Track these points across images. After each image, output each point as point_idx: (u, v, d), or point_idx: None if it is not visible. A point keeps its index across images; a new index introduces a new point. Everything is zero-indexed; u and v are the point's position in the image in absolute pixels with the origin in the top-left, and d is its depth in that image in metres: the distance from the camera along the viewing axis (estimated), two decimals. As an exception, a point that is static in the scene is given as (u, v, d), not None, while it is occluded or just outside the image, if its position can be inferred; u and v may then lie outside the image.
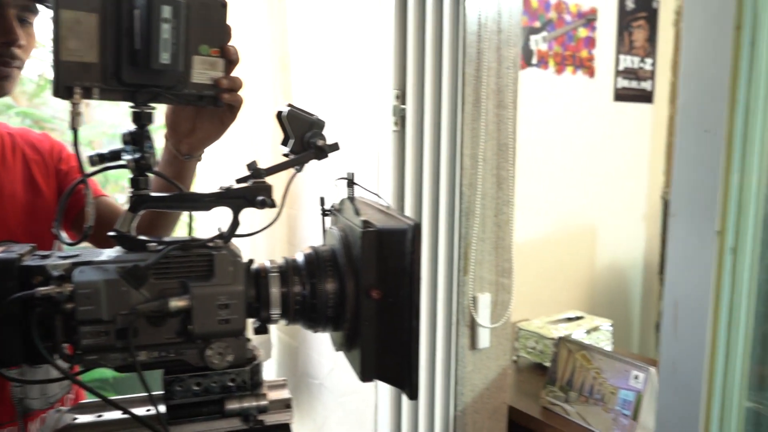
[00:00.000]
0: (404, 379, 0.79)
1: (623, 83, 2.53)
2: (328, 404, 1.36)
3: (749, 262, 0.69)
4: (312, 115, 0.93)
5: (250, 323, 0.83)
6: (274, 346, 1.60)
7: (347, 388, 1.21)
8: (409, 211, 1.13)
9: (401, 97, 1.12)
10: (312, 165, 1.05)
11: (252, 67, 1.47)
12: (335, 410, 1.33)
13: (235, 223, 0.83)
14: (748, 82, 0.63)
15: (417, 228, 0.75)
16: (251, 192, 0.82)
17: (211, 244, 0.81)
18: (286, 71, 1.48)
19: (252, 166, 0.88)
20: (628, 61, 2.53)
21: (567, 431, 1.22)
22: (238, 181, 0.87)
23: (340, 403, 1.31)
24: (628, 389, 1.16)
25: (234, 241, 0.88)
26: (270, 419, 0.81)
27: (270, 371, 1.63)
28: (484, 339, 1.23)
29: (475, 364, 1.24)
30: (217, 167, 1.43)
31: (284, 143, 0.95)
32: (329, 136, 1.03)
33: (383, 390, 1.14)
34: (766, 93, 0.68)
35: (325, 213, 0.95)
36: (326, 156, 0.91)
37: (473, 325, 1.22)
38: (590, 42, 2.43)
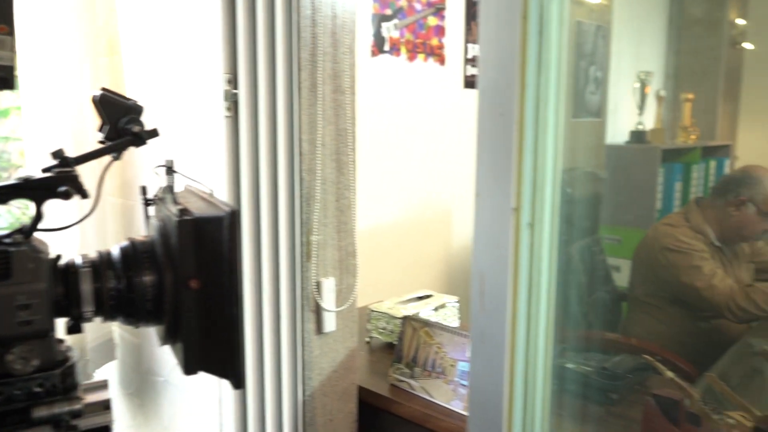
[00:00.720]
0: (229, 369, 0.78)
1: (472, 71, 2.65)
2: (174, 401, 1.31)
3: (547, 235, 0.75)
4: (128, 99, 0.88)
5: (62, 322, 0.78)
6: (118, 346, 1.52)
7: (191, 383, 1.18)
8: (246, 197, 1.11)
9: (233, 82, 1.09)
10: (145, 152, 1.00)
11: (79, 50, 1.37)
12: (181, 407, 1.29)
13: (37, 217, 0.77)
14: (537, 68, 0.68)
15: (234, 214, 0.73)
16: (54, 182, 0.76)
17: (8, 240, 0.74)
18: (115, 54, 1.39)
19: (58, 154, 0.82)
20: (476, 50, 2.65)
21: (412, 405, 1.27)
22: (44, 170, 0.80)
23: (185, 399, 1.27)
24: (465, 361, 1.23)
25: (55, 235, 0.81)
26: (86, 423, 0.76)
27: (113, 372, 1.54)
28: (330, 323, 1.24)
29: (322, 348, 1.25)
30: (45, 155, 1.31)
31: (100, 129, 0.89)
32: (160, 121, 0.98)
33: (226, 382, 1.12)
34: (557, 79, 0.74)
35: (147, 203, 0.90)
36: (144, 143, 0.86)
37: (318, 310, 1.23)
38: (440, 30, 2.52)
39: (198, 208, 0.77)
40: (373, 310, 1.58)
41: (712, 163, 3.68)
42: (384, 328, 1.54)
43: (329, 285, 1.23)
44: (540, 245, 0.73)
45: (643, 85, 3.28)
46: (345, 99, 1.23)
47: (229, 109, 1.09)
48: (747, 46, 4.25)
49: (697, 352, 1.90)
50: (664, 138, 3.49)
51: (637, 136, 3.29)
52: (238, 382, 0.76)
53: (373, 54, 2.24)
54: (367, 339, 1.61)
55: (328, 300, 1.23)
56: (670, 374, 1.06)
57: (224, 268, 0.73)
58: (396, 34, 2.33)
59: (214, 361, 0.76)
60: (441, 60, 2.51)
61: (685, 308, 1.97)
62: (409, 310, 1.51)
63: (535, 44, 0.67)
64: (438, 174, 2.53)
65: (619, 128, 3.56)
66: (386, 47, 2.29)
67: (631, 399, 1.24)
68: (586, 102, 2.89)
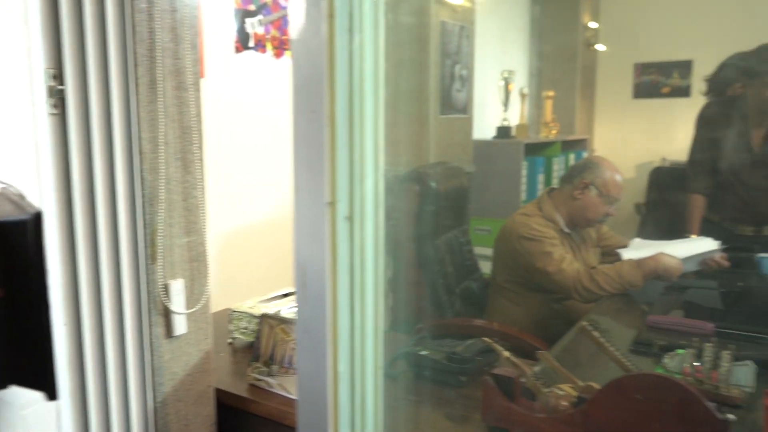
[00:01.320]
0: (42, 380, 0.74)
1: (340, 68, 2.67)
2: (10, 420, 1.22)
3: (371, 228, 0.78)
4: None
5: None
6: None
7: (28, 399, 1.10)
8: (78, 199, 1.05)
9: (59, 77, 1.03)
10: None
11: None
12: (18, 425, 1.20)
13: None
14: (348, 66, 0.70)
15: (38, 218, 0.70)
16: None
17: None
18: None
19: None
20: (343, 48, 2.68)
21: (270, 403, 1.27)
22: None
23: (21, 417, 1.18)
24: (321, 354, 1.25)
25: None
26: None
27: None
28: (180, 326, 1.21)
29: (174, 352, 1.22)
30: None
31: None
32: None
33: (66, 393, 1.06)
34: (373, 77, 0.77)
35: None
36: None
37: (167, 313, 1.19)
38: (307, 27, 2.51)
39: (2, 213, 0.72)
40: (234, 311, 1.56)
41: (572, 156, 3.96)
42: (246, 328, 1.53)
43: (178, 287, 1.20)
44: (363, 238, 0.76)
45: (507, 83, 3.47)
46: (189, 96, 1.20)
47: (55, 106, 1.03)
48: (599, 47, 4.61)
49: (551, 331, 2.04)
50: (528, 133, 3.70)
51: (503, 131, 3.47)
52: (53, 393, 0.73)
53: (237, 50, 2.20)
54: (230, 340, 1.58)
55: (178, 302, 1.20)
56: (506, 354, 1.13)
57: (31, 274, 0.69)
58: (261, 30, 2.31)
59: (26, 373, 0.72)
60: (279, 54, 2.51)
61: (540, 292, 2.12)
62: (270, 308, 1.50)
63: (344, 42, 0.69)
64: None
65: (487, 124, 3.74)
66: (251, 43, 2.26)
67: (479, 380, 1.31)
68: (453, 99, 3.01)
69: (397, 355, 1.40)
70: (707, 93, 3.17)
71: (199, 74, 1.22)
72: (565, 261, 2.01)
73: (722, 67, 2.88)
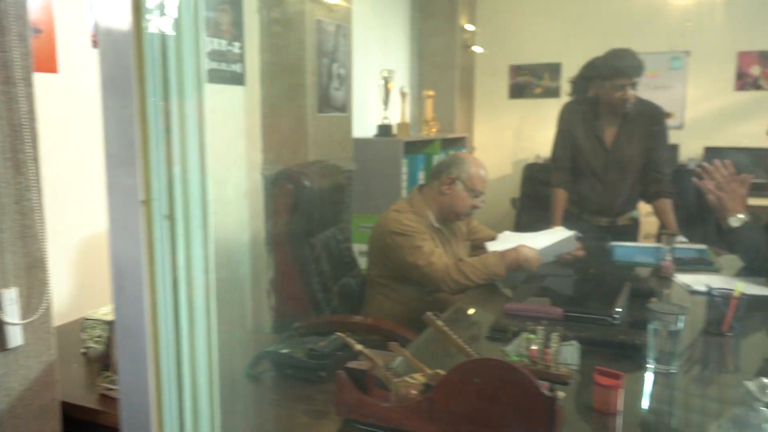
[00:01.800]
0: None
1: (212, 65, 2.60)
2: None
3: (198, 228, 0.77)
4: None
5: None
6: None
7: None
8: None
9: None
10: None
11: None
12: None
13: None
14: (162, 61, 0.69)
15: None
16: None
17: None
18: None
19: None
20: (215, 44, 2.61)
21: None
22: None
23: None
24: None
25: None
26: None
27: None
28: (15, 337, 1.13)
29: (9, 366, 1.13)
30: None
31: None
32: None
33: None
34: (194, 72, 0.75)
35: None
36: None
37: (0, 325, 1.11)
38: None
39: None
40: (87, 318, 1.48)
41: (451, 153, 4.11)
42: (100, 337, 1.45)
43: (10, 296, 1.12)
44: (188, 237, 0.74)
45: (386, 82, 3.53)
46: (19, 91, 1.12)
47: None
48: (477, 49, 4.81)
49: (423, 324, 2.11)
50: (409, 131, 3.79)
51: (384, 129, 3.53)
52: None
53: (95, 45, 2.08)
54: (83, 350, 1.50)
55: (11, 312, 1.12)
56: (359, 347, 1.15)
57: None
58: (122, 24, 2.19)
59: None
60: None
61: (412, 285, 2.17)
62: (127, 314, 1.43)
63: (157, 37, 0.67)
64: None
65: (370, 122, 3.79)
66: (111, 37, 2.15)
67: (340, 375, 1.33)
68: (332, 98, 3.02)
69: (259, 355, 1.39)
70: (571, 94, 3.39)
71: (30, 68, 1.14)
72: (435, 254, 2.08)
73: (582, 69, 3.09)
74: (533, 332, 1.06)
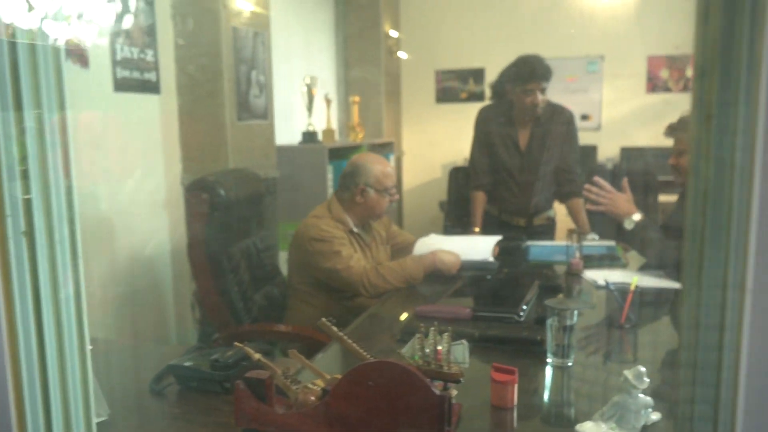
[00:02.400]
0: None
1: (124, 74, 2.54)
2: None
3: (63, 241, 0.75)
4: None
5: None
6: None
7: None
8: None
9: None
10: None
11: None
12: None
13: None
14: (11, 73, 0.67)
15: None
16: None
17: None
18: None
19: None
20: (127, 52, 2.55)
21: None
22: None
23: None
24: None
25: None
26: None
27: None
28: None
29: None
30: None
31: None
32: None
33: None
34: (54, 84, 0.74)
35: None
36: None
37: None
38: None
39: None
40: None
41: (351, 160, 4.14)
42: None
43: None
44: (51, 253, 0.73)
45: (309, 89, 3.53)
46: None
47: None
48: (402, 55, 4.87)
49: (344, 329, 2.12)
50: (334, 137, 3.80)
51: (308, 136, 3.53)
52: None
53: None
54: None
55: None
56: (257, 356, 1.15)
57: None
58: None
59: None
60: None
61: (332, 291, 2.18)
62: None
63: (4, 46, 0.66)
64: (97, 182, 2.38)
65: (296, 129, 3.78)
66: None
67: (246, 384, 1.32)
68: (251, 105, 3.00)
69: (163, 369, 1.36)
70: (491, 98, 3.48)
71: None
72: (353, 259, 2.09)
73: (499, 75, 3.18)
74: (426, 333, 1.08)
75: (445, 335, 1.07)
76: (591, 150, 4.58)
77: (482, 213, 2.82)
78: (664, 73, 4.59)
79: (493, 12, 4.81)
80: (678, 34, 4.51)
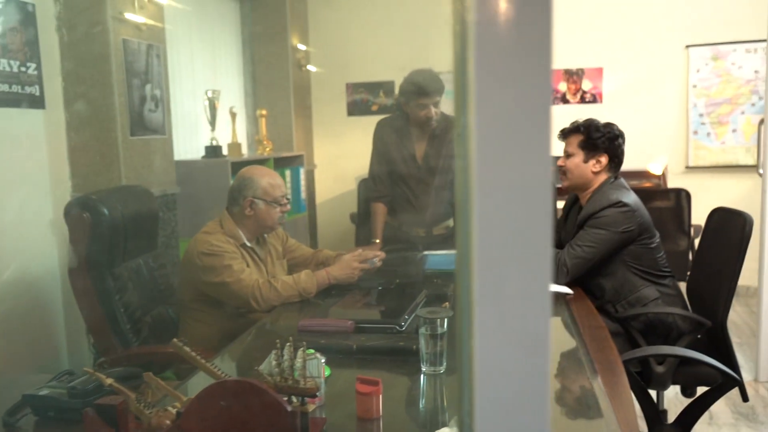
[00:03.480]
0: None
1: (2, 87, 2.41)
2: None
3: None
4: None
5: None
6: None
7: None
8: None
9: None
10: None
11: None
12: None
13: None
14: None
15: None
16: None
17: None
18: None
19: None
20: (4, 65, 2.42)
21: None
22: None
23: None
24: None
25: None
26: None
27: None
28: None
29: None
30: None
31: None
32: None
33: None
34: None
35: None
36: None
37: None
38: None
39: None
40: None
41: (287, 172, 4.11)
42: None
43: None
44: None
45: (212, 102, 3.47)
46: None
47: None
48: (311, 68, 4.88)
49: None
50: (241, 151, 3.75)
51: (211, 150, 3.46)
52: None
53: None
54: None
55: None
56: (109, 381, 1.11)
57: None
58: None
59: None
60: None
61: (223, 307, 2.14)
62: None
63: None
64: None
65: (199, 144, 3.70)
66: None
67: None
68: (146, 120, 2.92)
69: (19, 401, 1.30)
70: (396, 111, 3.53)
71: None
72: (245, 272, 2.07)
73: (400, 87, 3.24)
74: (282, 349, 1.08)
75: (300, 350, 1.08)
76: (497, 160, 4.73)
77: (383, 224, 2.85)
78: (562, 86, 4.81)
79: (400, 25, 4.90)
80: (576, 49, 4.74)
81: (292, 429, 1.01)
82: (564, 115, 4.83)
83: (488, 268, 0.46)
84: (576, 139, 2.22)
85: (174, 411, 1.09)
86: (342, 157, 5.10)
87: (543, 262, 0.45)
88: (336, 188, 5.07)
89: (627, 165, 4.52)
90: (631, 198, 2.12)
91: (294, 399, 1.08)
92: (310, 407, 1.09)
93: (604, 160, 2.18)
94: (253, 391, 1.01)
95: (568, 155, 2.24)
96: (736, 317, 4.20)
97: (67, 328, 2.75)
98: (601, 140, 2.17)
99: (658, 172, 4.45)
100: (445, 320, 1.42)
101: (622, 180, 2.23)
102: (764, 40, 3.53)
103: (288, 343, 1.09)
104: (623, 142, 2.21)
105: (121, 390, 1.09)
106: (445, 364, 1.43)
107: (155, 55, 2.98)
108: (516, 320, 0.46)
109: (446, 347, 1.44)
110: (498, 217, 0.45)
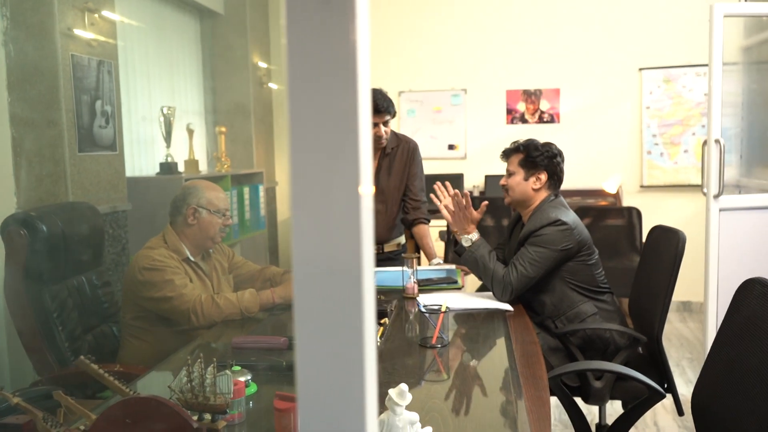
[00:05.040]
0: None
1: (-56, 103, 2.38)
2: None
3: None
4: None
5: None
6: None
7: None
8: None
9: None
10: None
11: None
12: None
13: None
14: None
15: None
16: None
17: None
18: None
19: None
20: (-54, 80, 2.39)
21: None
22: None
23: None
24: None
25: None
26: None
27: None
28: None
29: None
30: None
31: None
32: None
33: None
34: None
35: None
36: None
37: None
38: None
39: None
40: None
41: (246, 189, 4.11)
42: None
43: None
44: None
45: (168, 119, 3.46)
46: None
47: None
48: (272, 86, 4.89)
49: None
50: (197, 168, 3.73)
51: (166, 167, 3.44)
52: None
53: None
54: None
55: None
56: (16, 401, 1.10)
57: None
58: None
59: None
60: None
61: (165, 324, 2.12)
62: None
63: None
64: None
65: (156, 160, 3.68)
66: None
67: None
68: (96, 136, 2.89)
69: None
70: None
71: None
72: (187, 287, 2.05)
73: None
74: (192, 365, 1.08)
75: (210, 367, 1.08)
76: (458, 178, 4.79)
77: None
78: (521, 106, 4.90)
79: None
80: (534, 70, 4.84)
81: (198, 446, 1.01)
82: (523, 135, 4.90)
83: (305, 284, 0.48)
84: (516, 158, 2.26)
85: (81, 429, 1.08)
86: (304, 174, 5.10)
87: (355, 285, 0.47)
88: (297, 205, 5.06)
89: (583, 183, 4.64)
90: (570, 216, 2.17)
91: (206, 416, 1.08)
92: (221, 424, 1.08)
93: (543, 177, 2.23)
94: (158, 408, 1.00)
95: (509, 174, 2.29)
96: (688, 333, 4.29)
97: (10, 345, 2.69)
98: (540, 158, 2.22)
99: (613, 191, 4.55)
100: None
101: (562, 198, 2.28)
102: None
103: (198, 360, 1.09)
104: (562, 161, 2.26)
105: (29, 409, 1.08)
106: (371, 380, 1.44)
107: (106, 71, 2.96)
108: (331, 341, 0.48)
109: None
110: (311, 231, 0.47)
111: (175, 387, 1.11)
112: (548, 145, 2.27)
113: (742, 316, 1.42)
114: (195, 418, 1.07)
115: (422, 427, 1.19)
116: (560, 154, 2.26)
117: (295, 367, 0.52)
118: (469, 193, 2.36)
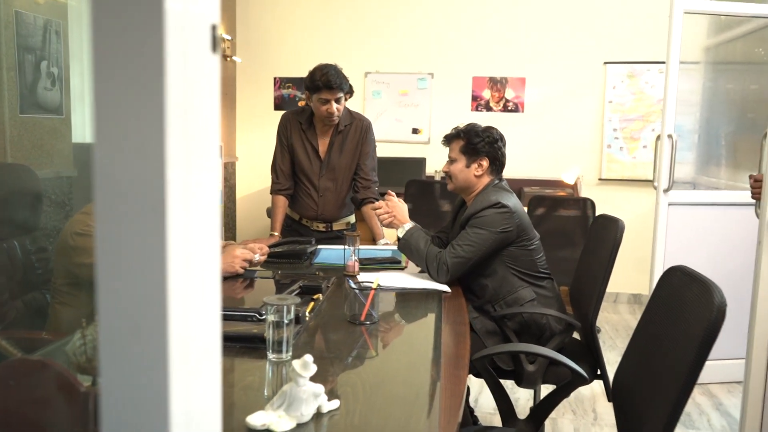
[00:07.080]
0: None
1: None
2: None
3: None
4: None
5: None
6: None
7: None
8: None
9: None
10: None
11: None
12: None
13: None
14: None
15: None
16: None
17: None
18: None
19: None
20: None
21: None
22: None
23: None
24: None
25: None
26: None
27: None
28: None
29: None
30: None
31: None
32: None
33: None
34: None
35: None
36: None
37: None
38: None
39: None
40: None
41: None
42: None
43: None
44: None
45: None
46: None
47: None
48: (237, 59, 4.80)
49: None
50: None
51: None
52: None
53: None
54: None
55: None
56: None
57: None
58: None
59: None
60: None
61: (94, 291, 2.07)
62: None
63: None
64: None
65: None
66: None
67: None
68: (40, 98, 2.80)
69: None
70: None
71: None
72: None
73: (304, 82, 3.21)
74: (85, 328, 1.04)
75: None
76: (420, 162, 4.77)
77: (282, 217, 2.82)
78: (486, 94, 4.89)
79: (332, 23, 4.89)
80: (501, 58, 4.83)
81: (83, 410, 0.98)
82: (487, 122, 4.92)
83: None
84: (457, 145, 2.25)
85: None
86: (266, 150, 5.04)
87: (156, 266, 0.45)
88: (258, 182, 5.01)
89: (542, 174, 4.67)
90: (511, 201, 2.17)
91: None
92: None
93: (485, 163, 2.22)
94: (43, 369, 0.97)
95: (451, 161, 2.28)
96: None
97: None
98: (481, 145, 2.21)
99: (572, 182, 4.58)
100: (292, 308, 1.41)
101: (505, 183, 2.27)
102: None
103: (93, 323, 1.05)
104: (503, 145, 2.26)
105: None
106: (290, 351, 1.42)
107: (54, 31, 2.86)
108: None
109: (292, 335, 1.43)
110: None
111: (68, 350, 1.07)
112: (489, 129, 2.26)
113: (662, 299, 1.44)
114: (90, 383, 1.03)
115: (330, 400, 1.17)
116: (501, 138, 2.26)
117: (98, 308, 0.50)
118: (392, 192, 2.37)
